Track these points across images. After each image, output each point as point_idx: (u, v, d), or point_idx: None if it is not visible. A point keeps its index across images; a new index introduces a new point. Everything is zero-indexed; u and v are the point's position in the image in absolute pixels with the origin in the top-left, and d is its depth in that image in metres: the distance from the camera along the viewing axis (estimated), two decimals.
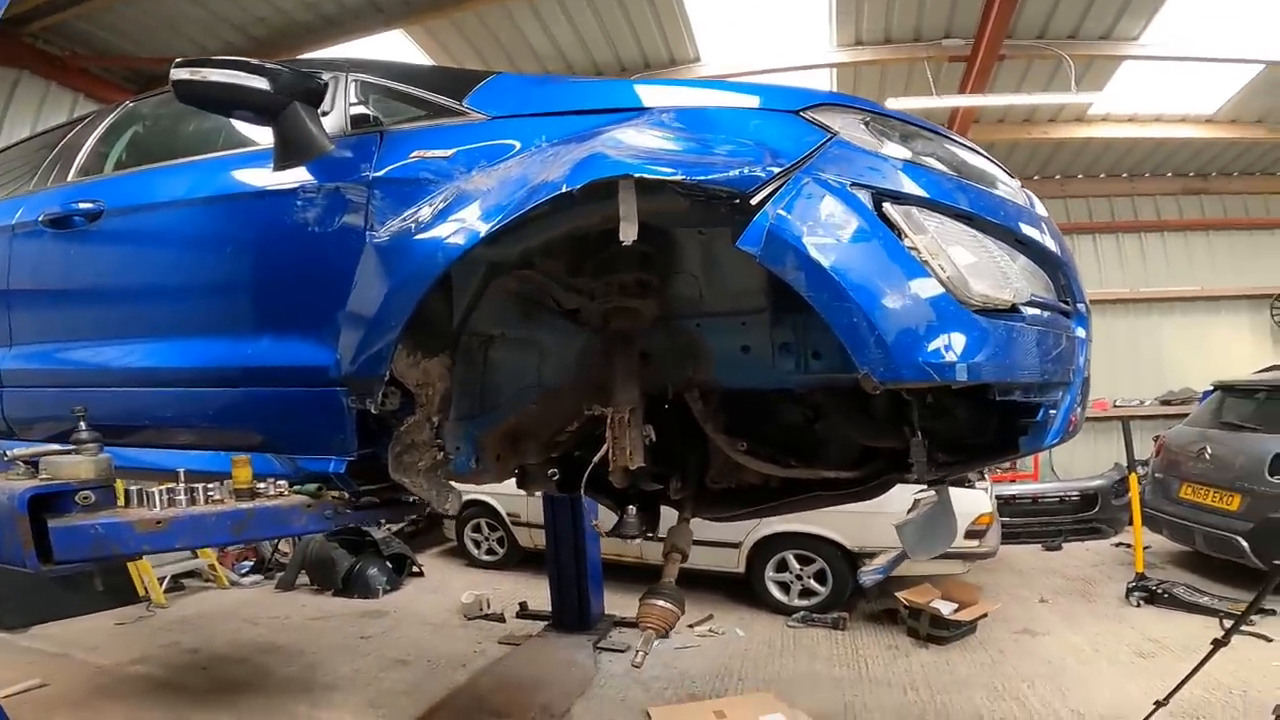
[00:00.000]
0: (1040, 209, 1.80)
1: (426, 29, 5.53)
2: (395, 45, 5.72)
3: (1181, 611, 4.55)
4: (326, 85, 1.94)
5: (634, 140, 1.51)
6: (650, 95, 1.70)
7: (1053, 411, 1.60)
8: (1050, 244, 1.69)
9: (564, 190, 1.45)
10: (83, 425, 1.66)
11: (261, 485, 1.82)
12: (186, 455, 2.05)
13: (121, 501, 1.70)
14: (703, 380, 2.03)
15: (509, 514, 6.29)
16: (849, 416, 1.98)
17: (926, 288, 1.40)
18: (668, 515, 2.34)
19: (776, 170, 1.43)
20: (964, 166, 1.65)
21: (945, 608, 4.39)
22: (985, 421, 1.77)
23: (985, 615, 4.43)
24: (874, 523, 4.81)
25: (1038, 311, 1.57)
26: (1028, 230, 1.64)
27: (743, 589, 5.19)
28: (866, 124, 1.58)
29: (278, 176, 1.91)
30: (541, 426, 2.20)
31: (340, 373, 1.73)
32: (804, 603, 4.98)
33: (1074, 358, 1.65)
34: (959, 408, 1.79)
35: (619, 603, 5.01)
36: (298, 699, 3.70)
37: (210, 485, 1.76)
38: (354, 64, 2.09)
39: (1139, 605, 4.80)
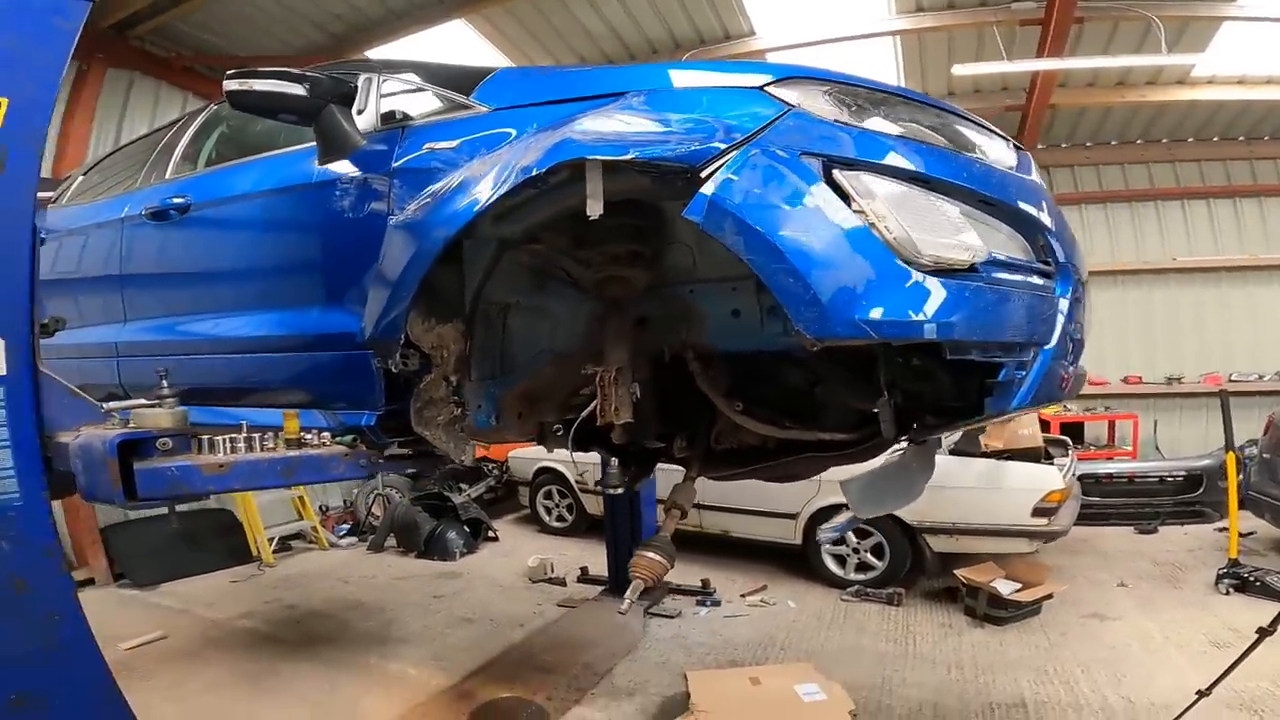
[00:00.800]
0: (1030, 174, 1.80)
1: (484, 16, 5.78)
2: (457, 34, 5.99)
3: (1274, 601, 4.20)
4: (357, 88, 2.16)
5: (600, 125, 1.64)
6: (632, 80, 1.80)
7: (1020, 372, 1.59)
8: (1026, 205, 1.68)
9: (533, 174, 1.60)
10: (165, 384, 1.99)
11: (309, 437, 2.11)
12: (259, 412, 2.36)
13: (196, 449, 1.99)
14: (696, 343, 2.13)
15: (577, 481, 6.55)
16: (840, 380, 2.04)
17: (869, 248, 1.46)
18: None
19: (727, 144, 1.51)
20: (933, 131, 1.67)
21: (1005, 587, 4.25)
22: (968, 384, 1.77)
23: (1050, 596, 4.28)
24: (936, 497, 4.71)
25: (1003, 271, 1.58)
26: (1000, 192, 1.64)
27: (799, 561, 5.23)
28: (828, 94, 1.63)
29: (320, 170, 2.16)
30: (555, 388, 2.36)
31: (365, 337, 1.99)
32: (860, 576, 4.96)
33: (1050, 318, 1.65)
34: (939, 369, 1.80)
35: (675, 570, 5.15)
36: (371, 651, 4.08)
37: (267, 435, 2.06)
38: (387, 65, 2.32)
39: (1228, 593, 4.48)
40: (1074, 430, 8.06)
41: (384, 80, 2.20)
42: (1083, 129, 8.44)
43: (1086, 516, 6.08)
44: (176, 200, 2.64)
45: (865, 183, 1.50)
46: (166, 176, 2.93)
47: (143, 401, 1.99)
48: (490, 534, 6.78)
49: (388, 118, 2.13)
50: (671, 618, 4.47)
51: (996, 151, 1.76)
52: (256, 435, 2.02)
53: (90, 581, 5.46)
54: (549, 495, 7.00)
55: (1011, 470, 4.79)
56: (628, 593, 2.07)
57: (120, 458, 1.82)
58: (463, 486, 7.44)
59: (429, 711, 3.30)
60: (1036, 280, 1.66)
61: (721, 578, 5.23)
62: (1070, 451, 5.69)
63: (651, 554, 2.08)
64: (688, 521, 5.46)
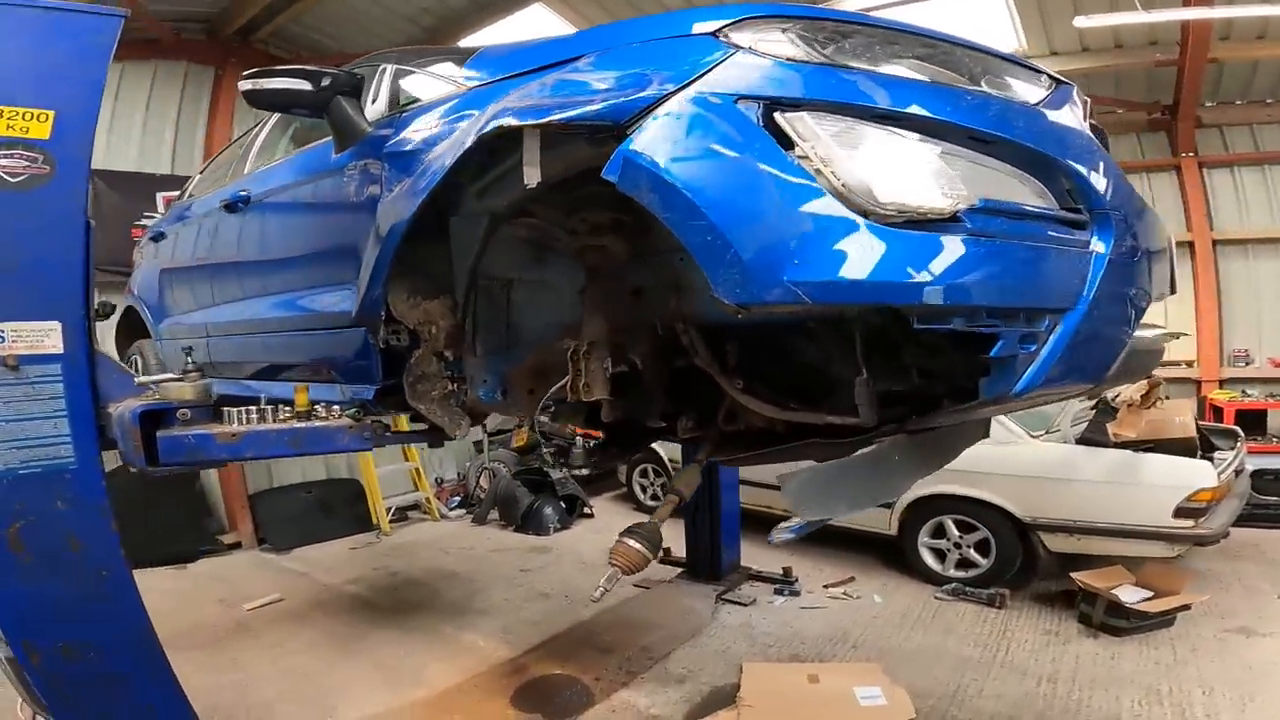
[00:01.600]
0: (1062, 110, 1.49)
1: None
2: (539, 18, 6.04)
3: None
4: (363, 78, 2.21)
5: (534, 91, 1.54)
6: (598, 40, 1.67)
7: (1028, 346, 1.29)
8: (1043, 143, 1.38)
9: (466, 148, 1.52)
10: (189, 360, 2.16)
11: (320, 409, 2.20)
12: (286, 386, 2.50)
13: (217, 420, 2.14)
14: (686, 312, 1.98)
15: (670, 460, 6.48)
16: (849, 356, 1.77)
17: (807, 198, 1.23)
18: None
19: (657, 95, 1.34)
20: (922, 62, 1.42)
21: (1131, 595, 3.69)
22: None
23: (1186, 607, 3.65)
24: (1054, 490, 4.23)
25: (1001, 220, 1.29)
26: (1001, 127, 1.35)
27: (895, 553, 4.86)
28: (790, 31, 1.40)
29: (334, 159, 2.23)
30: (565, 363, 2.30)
31: (354, 315, 2.03)
32: (960, 574, 4.52)
33: (1078, 276, 1.32)
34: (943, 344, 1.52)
35: (759, 555, 5.00)
36: (449, 620, 4.30)
37: (283, 408, 2.18)
38: (397, 56, 2.35)
39: None
40: (1255, 419, 6.84)
41: (392, 69, 2.23)
42: (1260, 84, 7.09)
43: (1257, 518, 5.18)
44: (241, 193, 2.84)
45: (810, 124, 1.27)
46: (244, 171, 3.17)
47: (170, 375, 2.16)
48: (586, 510, 6.90)
49: (393, 104, 2.16)
50: (744, 605, 4.32)
51: (1011, 85, 1.47)
52: (270, 408, 2.13)
53: (237, 545, 6.14)
54: (644, 474, 6.99)
55: (1150, 464, 4.14)
56: (602, 581, 1.96)
57: (143, 427, 1.99)
58: (562, 462, 7.61)
59: (481, 683, 3.41)
60: (1056, 230, 1.35)
61: (809, 566, 5.00)
62: (1239, 443, 4.84)
63: (632, 542, 1.95)
64: (779, 505, 5.31)
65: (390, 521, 6.69)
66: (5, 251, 1.96)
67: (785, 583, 4.64)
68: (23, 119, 2.00)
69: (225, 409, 2.11)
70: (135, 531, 5.60)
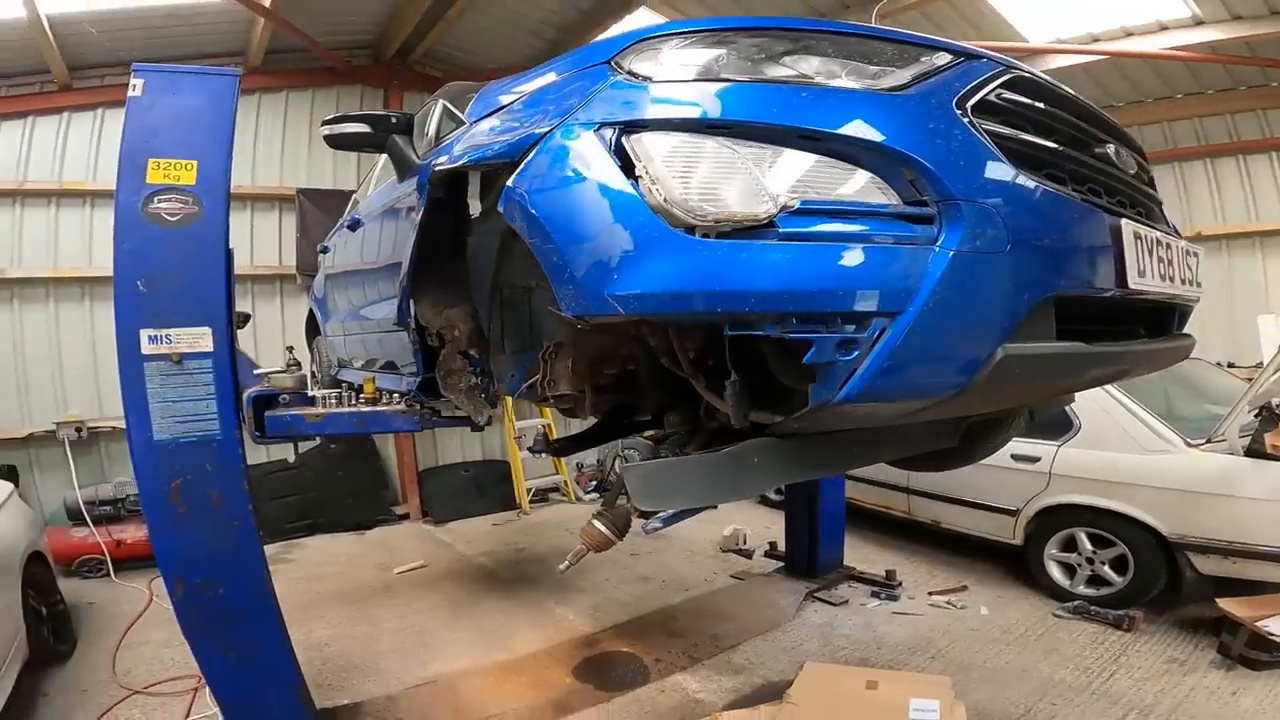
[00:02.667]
0: (930, 94, 1.37)
1: (662, 1, 5.93)
2: (647, 21, 6.19)
3: None
4: (412, 119, 2.59)
5: (473, 135, 1.79)
6: (539, 74, 1.89)
7: (848, 354, 1.23)
8: (880, 133, 1.28)
9: (424, 189, 1.84)
10: (292, 356, 2.67)
11: (384, 397, 2.65)
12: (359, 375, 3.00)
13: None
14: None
15: None
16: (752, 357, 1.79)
17: (633, 217, 1.31)
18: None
19: (542, 130, 1.50)
20: (770, 73, 1.42)
21: None
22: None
23: None
24: (1210, 506, 3.71)
25: (821, 219, 1.26)
26: (831, 122, 1.30)
27: (1021, 564, 4.49)
28: (661, 53, 1.49)
29: (396, 188, 2.66)
30: None
31: (394, 321, 2.44)
32: (1090, 591, 4.09)
33: (909, 275, 1.22)
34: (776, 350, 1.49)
35: (871, 556, 4.90)
36: (552, 594, 4.69)
37: (357, 395, 2.66)
38: (454, 92, 2.71)
39: None
40: None
41: (442, 105, 2.61)
42: None
43: None
44: (356, 216, 3.41)
45: (646, 144, 1.35)
46: (365, 195, 3.77)
47: (278, 369, 2.71)
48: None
49: (436, 138, 2.53)
50: (833, 605, 4.25)
51: (870, 71, 1.41)
52: (349, 394, 2.61)
53: (405, 516, 7.05)
54: None
55: None
56: (568, 557, 2.13)
57: (255, 409, 2.53)
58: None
59: (555, 652, 3.75)
60: (889, 227, 1.26)
61: (919, 571, 4.78)
62: None
63: (599, 524, 2.05)
64: (897, 506, 5.12)
65: (531, 502, 7.29)
66: (171, 276, 2.57)
67: (885, 586, 4.48)
68: (175, 168, 2.58)
69: (316, 394, 2.62)
70: (329, 501, 6.77)
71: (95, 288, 6.04)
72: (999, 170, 1.31)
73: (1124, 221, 1.52)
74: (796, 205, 1.26)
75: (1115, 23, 5.98)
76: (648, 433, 7.71)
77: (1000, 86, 1.46)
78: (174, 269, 2.56)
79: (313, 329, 5.05)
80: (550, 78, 1.81)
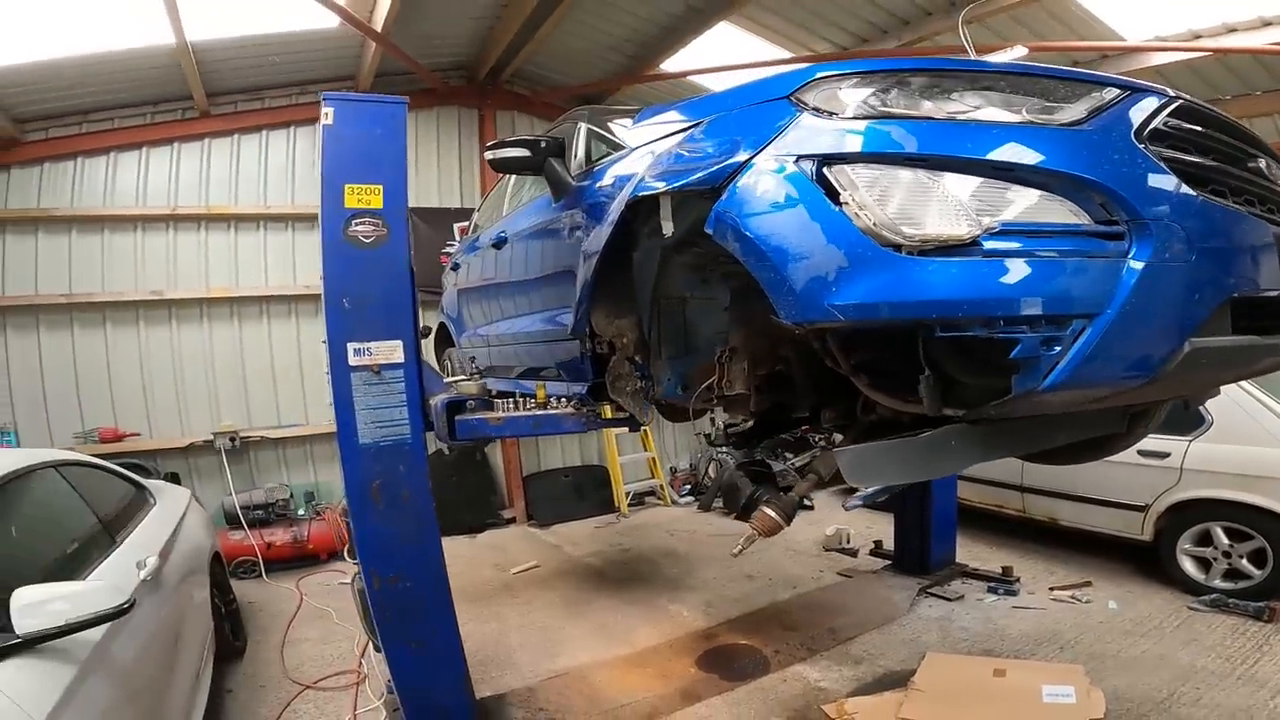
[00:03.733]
0: (1109, 125, 1.54)
1: (742, 14, 6.01)
2: (726, 35, 6.37)
3: None
4: (563, 140, 2.85)
5: (655, 164, 2.03)
6: (708, 108, 2.12)
7: (1052, 349, 1.43)
8: (1069, 165, 1.47)
9: (621, 210, 2.08)
10: (475, 366, 2.98)
11: (554, 401, 2.94)
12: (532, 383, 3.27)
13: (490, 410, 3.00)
14: None
15: None
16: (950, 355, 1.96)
17: (844, 238, 1.52)
18: None
19: (741, 159, 1.72)
20: (946, 109, 1.61)
21: None
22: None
23: None
24: None
25: (1019, 240, 1.45)
26: (1018, 156, 1.50)
27: (1147, 560, 4.47)
28: (847, 89, 1.69)
29: (554, 208, 2.93)
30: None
31: (569, 331, 2.69)
32: (1228, 585, 4.05)
33: (1103, 284, 1.41)
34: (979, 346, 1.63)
35: (984, 554, 4.93)
36: (663, 592, 4.89)
37: (529, 400, 2.95)
38: (588, 114, 2.96)
39: None
40: None
41: (583, 129, 2.86)
42: None
43: None
44: (502, 234, 3.67)
45: (849, 175, 1.55)
46: (504, 213, 4.01)
47: (462, 377, 3.02)
48: (806, 503, 7.13)
49: (588, 158, 2.79)
50: (949, 600, 4.31)
51: (1050, 108, 1.58)
52: (522, 399, 2.91)
53: (513, 520, 7.40)
54: None
55: None
56: (741, 540, 2.34)
57: (448, 413, 2.85)
58: (788, 456, 7.91)
59: (676, 645, 3.93)
60: (1082, 243, 1.46)
61: (1037, 568, 4.79)
62: None
63: (769, 510, 2.30)
64: (1010, 504, 5.13)
65: (629, 505, 7.56)
66: (368, 294, 2.82)
67: (1003, 581, 4.51)
68: (366, 193, 2.81)
69: (496, 400, 2.92)
70: (443, 506, 7.05)
71: (242, 307, 6.65)
72: (1177, 190, 1.50)
73: None
74: (998, 226, 1.47)
75: (1217, 19, 5.83)
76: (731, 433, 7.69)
77: (1168, 115, 1.64)
78: (370, 287, 2.82)
79: (443, 342, 5.43)
80: (719, 111, 2.04)
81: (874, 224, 1.51)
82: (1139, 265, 1.42)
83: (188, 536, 3.51)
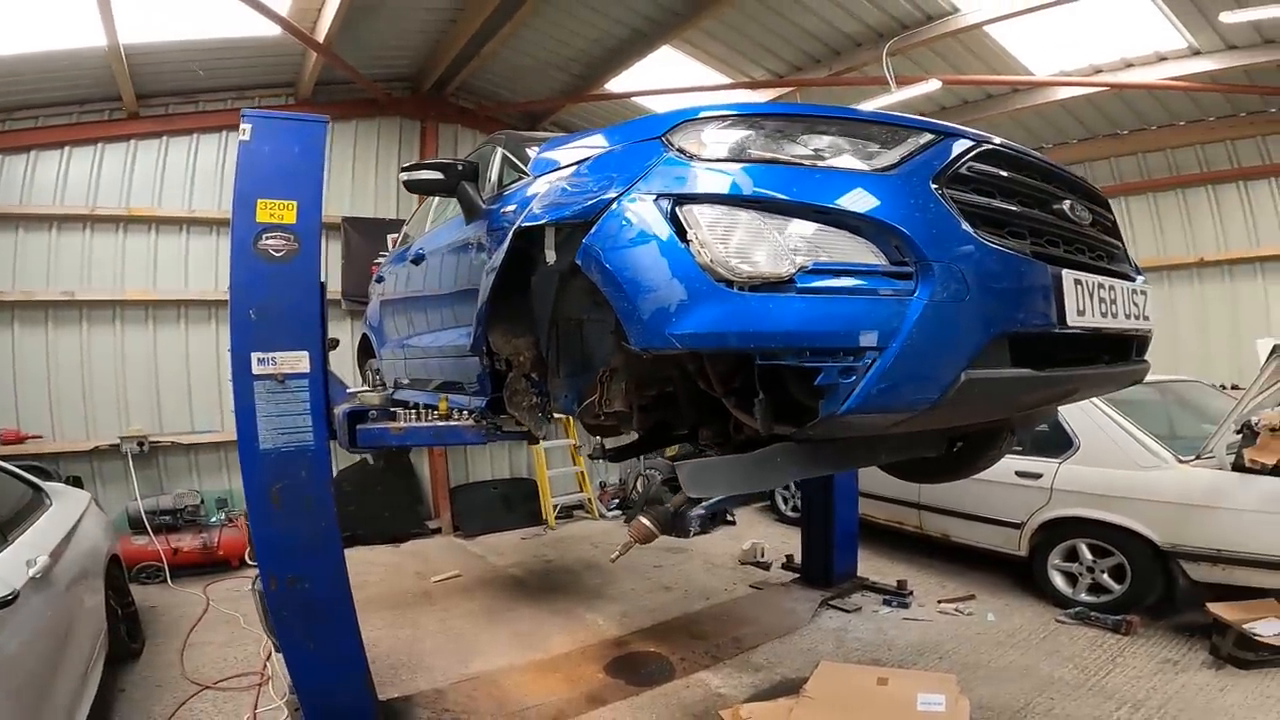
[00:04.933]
0: (909, 174, 1.71)
1: (684, 39, 6.29)
2: (669, 58, 6.63)
3: None
4: (477, 165, 2.96)
5: (544, 195, 2.16)
6: (598, 142, 2.26)
7: (848, 378, 1.58)
8: (875, 211, 1.62)
9: (510, 237, 2.22)
10: (378, 378, 3.05)
11: (456, 414, 3.04)
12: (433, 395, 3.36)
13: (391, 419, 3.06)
14: None
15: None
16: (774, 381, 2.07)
17: (686, 273, 1.66)
18: None
19: (611, 196, 1.87)
20: (790, 152, 1.77)
21: (1270, 628, 3.42)
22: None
23: None
24: (1200, 518, 4.01)
25: (828, 279, 1.61)
26: (833, 200, 1.65)
27: (1026, 575, 4.79)
28: (702, 134, 1.85)
29: (464, 229, 3.02)
30: None
31: (469, 348, 2.79)
32: (1090, 599, 4.39)
33: (892, 320, 1.56)
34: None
35: (884, 568, 5.20)
36: (581, 602, 5.00)
37: (431, 411, 3.03)
38: (506, 139, 3.07)
39: None
40: None
41: (499, 153, 2.98)
42: None
43: None
44: (420, 250, 3.74)
45: (695, 214, 1.70)
46: (424, 230, 4.10)
47: (365, 388, 3.09)
48: (728, 519, 7.36)
49: (499, 183, 2.92)
50: (847, 612, 4.54)
51: (870, 153, 1.77)
52: (425, 410, 2.99)
53: (438, 530, 7.38)
54: (787, 486, 7.29)
55: None
56: (619, 548, 2.48)
57: (350, 422, 2.91)
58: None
59: (587, 652, 4.05)
60: (878, 282, 1.60)
61: (930, 582, 5.07)
62: None
63: (645, 520, 2.40)
64: (909, 521, 5.42)
65: (556, 518, 7.65)
66: (276, 306, 2.90)
67: (896, 594, 4.78)
68: (279, 208, 2.90)
69: (398, 410, 3.00)
70: (368, 515, 7.11)
71: (158, 310, 6.51)
72: (962, 235, 1.65)
73: (1064, 271, 1.84)
74: (810, 265, 1.61)
75: (1116, 54, 6.20)
76: (668, 452, 8.07)
77: (972, 159, 1.80)
78: (278, 299, 2.90)
79: (364, 353, 5.44)
80: (608, 145, 2.19)
81: (710, 261, 1.65)
82: (920, 304, 1.56)
83: (83, 538, 3.49)
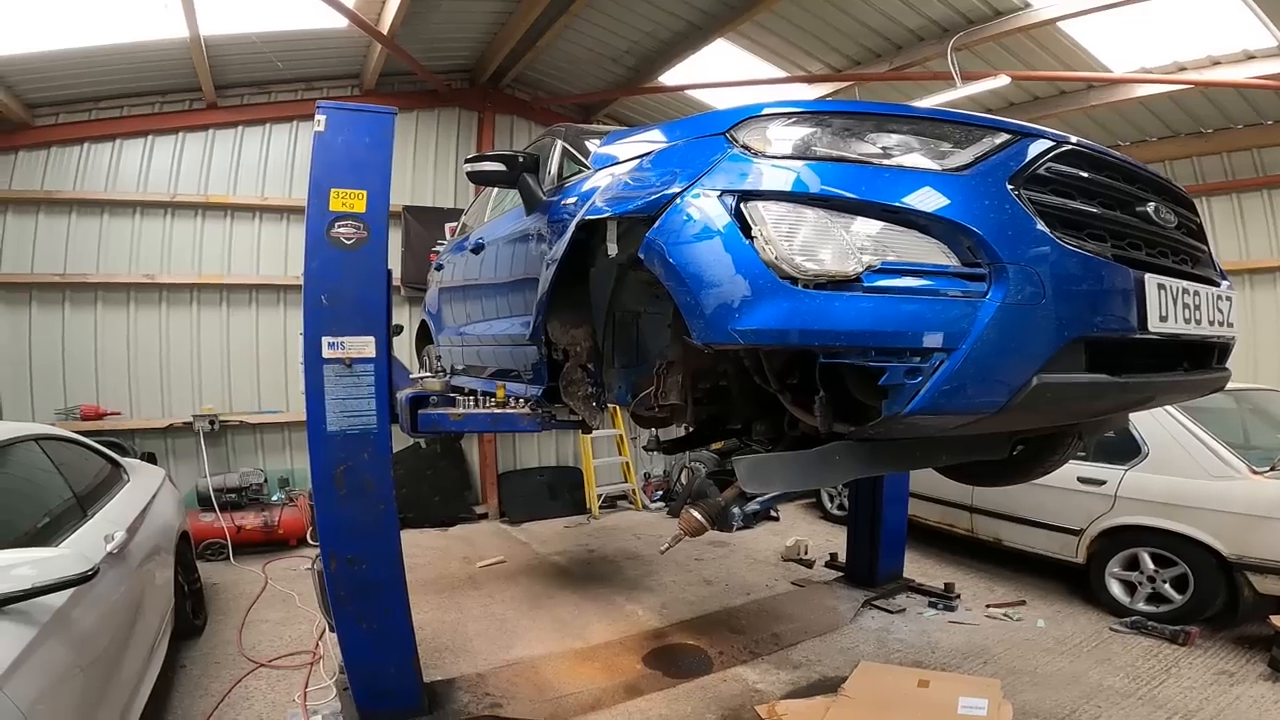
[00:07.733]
0: (982, 174, 1.67)
1: (739, 33, 6.22)
2: (724, 52, 6.58)
3: None
4: (538, 157, 3.03)
5: (606, 189, 2.19)
6: (658, 136, 2.29)
7: (914, 379, 1.57)
8: (947, 211, 1.60)
9: (573, 229, 2.24)
10: (439, 364, 3.15)
11: (513, 401, 3.13)
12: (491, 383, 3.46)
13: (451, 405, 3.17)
14: None
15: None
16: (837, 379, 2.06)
17: (750, 269, 1.67)
18: None
19: (675, 191, 1.89)
20: (857, 150, 1.75)
21: None
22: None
23: None
24: (1267, 529, 3.85)
25: (896, 278, 1.60)
26: (904, 199, 1.63)
27: (1081, 582, 4.67)
28: (768, 130, 1.85)
29: (525, 220, 3.11)
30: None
31: (527, 337, 2.86)
32: (1149, 608, 4.26)
33: (962, 322, 1.53)
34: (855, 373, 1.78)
35: (931, 570, 5.13)
36: (621, 592, 5.05)
37: (489, 398, 3.14)
38: (566, 131, 3.13)
39: None
40: None
41: (559, 146, 3.04)
42: None
43: None
44: (480, 240, 3.85)
45: (760, 211, 1.70)
46: (484, 220, 4.20)
47: (428, 375, 3.20)
48: (772, 514, 7.33)
49: (560, 175, 2.98)
50: (891, 613, 4.50)
51: (942, 152, 1.74)
52: (483, 397, 3.09)
53: (485, 516, 7.58)
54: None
55: None
56: (669, 539, 2.52)
57: (412, 407, 3.03)
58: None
59: (626, 642, 4.10)
60: (948, 284, 1.58)
61: (979, 585, 4.99)
62: None
63: (696, 512, 2.45)
64: (960, 524, 5.34)
65: (600, 507, 7.75)
66: (346, 292, 2.99)
67: (943, 597, 4.71)
68: (351, 197, 2.99)
69: (457, 396, 3.10)
70: (418, 499, 7.32)
71: (232, 294, 6.82)
72: (1039, 237, 1.61)
73: (1147, 275, 1.79)
74: (879, 265, 1.61)
75: (1202, 52, 5.94)
76: (714, 445, 8.11)
77: (1051, 160, 1.77)
78: (348, 286, 2.99)
79: (422, 338, 5.60)
80: (670, 140, 2.21)
81: (775, 258, 1.66)
82: (993, 306, 1.54)
83: (157, 514, 3.62)
